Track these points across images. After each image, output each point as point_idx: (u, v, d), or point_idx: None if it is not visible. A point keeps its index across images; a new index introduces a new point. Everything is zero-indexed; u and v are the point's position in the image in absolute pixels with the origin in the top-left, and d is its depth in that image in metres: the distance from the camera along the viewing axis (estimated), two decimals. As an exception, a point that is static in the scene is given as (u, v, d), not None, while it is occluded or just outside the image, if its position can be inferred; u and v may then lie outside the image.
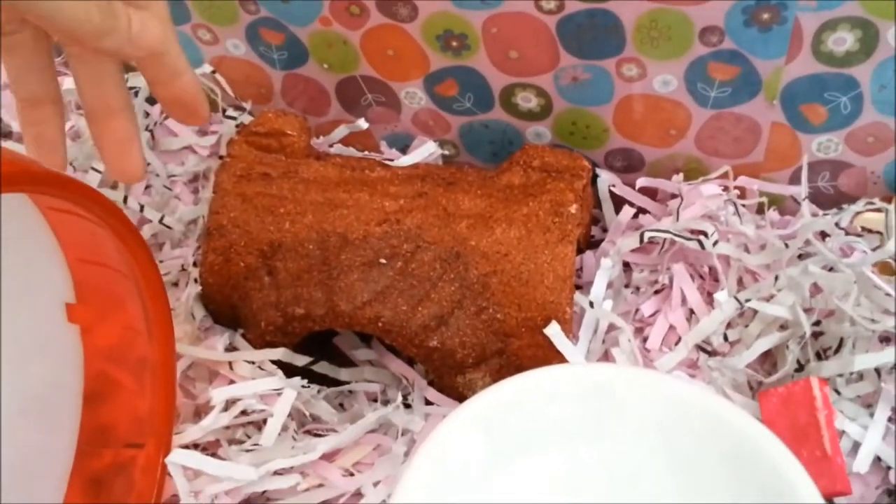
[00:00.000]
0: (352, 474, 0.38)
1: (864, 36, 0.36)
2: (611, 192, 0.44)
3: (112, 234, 0.31)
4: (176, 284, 0.44)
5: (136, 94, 0.48)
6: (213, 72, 0.47)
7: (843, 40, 0.36)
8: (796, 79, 0.38)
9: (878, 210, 0.40)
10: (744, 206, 0.42)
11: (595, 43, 0.39)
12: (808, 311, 0.39)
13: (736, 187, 0.43)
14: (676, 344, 0.40)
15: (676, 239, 0.40)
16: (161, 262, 0.45)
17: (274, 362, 0.40)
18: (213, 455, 0.38)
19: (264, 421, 0.39)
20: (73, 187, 0.28)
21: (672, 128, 0.42)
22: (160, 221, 0.44)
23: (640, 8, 0.37)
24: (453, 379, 0.39)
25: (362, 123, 0.46)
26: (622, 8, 0.37)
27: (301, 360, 0.41)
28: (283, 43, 0.45)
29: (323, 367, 0.42)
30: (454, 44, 0.41)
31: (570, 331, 0.39)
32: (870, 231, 0.42)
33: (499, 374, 0.39)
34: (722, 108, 0.40)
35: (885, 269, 0.41)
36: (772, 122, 0.40)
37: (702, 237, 0.40)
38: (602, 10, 0.37)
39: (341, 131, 0.47)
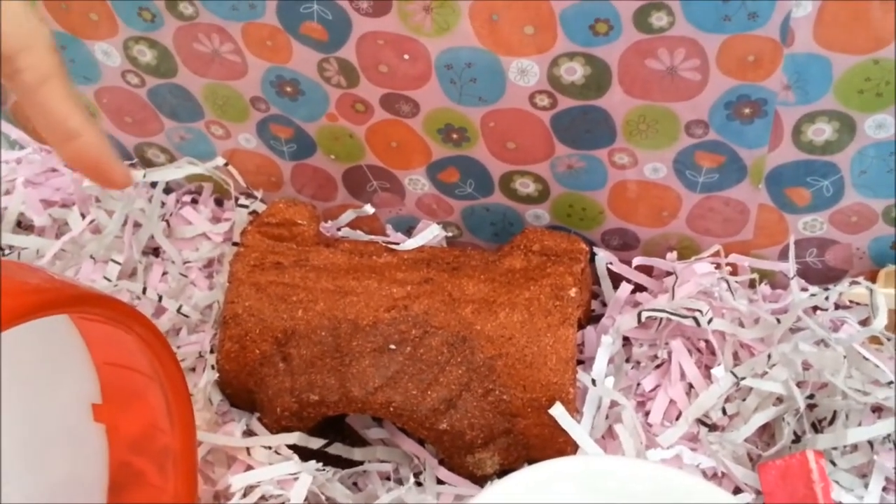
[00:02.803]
0: (367, 556, 0.39)
1: (842, 127, 0.38)
2: (609, 270, 0.46)
3: (137, 340, 0.33)
4: (193, 370, 0.46)
5: (154, 185, 0.50)
6: (226, 164, 0.49)
7: (822, 131, 0.38)
8: (780, 165, 0.40)
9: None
10: (736, 282, 0.44)
11: (587, 135, 0.41)
12: (801, 384, 0.41)
13: (728, 264, 0.44)
14: (677, 418, 0.42)
15: (672, 318, 0.42)
16: (178, 347, 0.46)
17: (290, 446, 0.42)
18: (234, 541, 0.39)
19: (282, 505, 0.40)
20: (104, 304, 0.30)
21: (664, 210, 0.44)
22: (178, 311, 0.46)
23: (629, 104, 0.39)
24: (463, 459, 0.41)
25: (368, 209, 0.48)
26: (612, 104, 0.39)
27: (316, 443, 0.42)
28: (292, 136, 0.47)
29: (337, 449, 0.43)
30: (454, 136, 0.44)
31: (574, 409, 0.40)
32: (857, 303, 0.43)
33: (507, 453, 0.41)
34: (710, 192, 0.42)
35: (873, 339, 0.42)
36: (759, 203, 0.42)
37: (697, 314, 0.42)
38: (593, 106, 0.40)
39: (349, 215, 0.49)
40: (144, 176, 0.49)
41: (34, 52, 0.26)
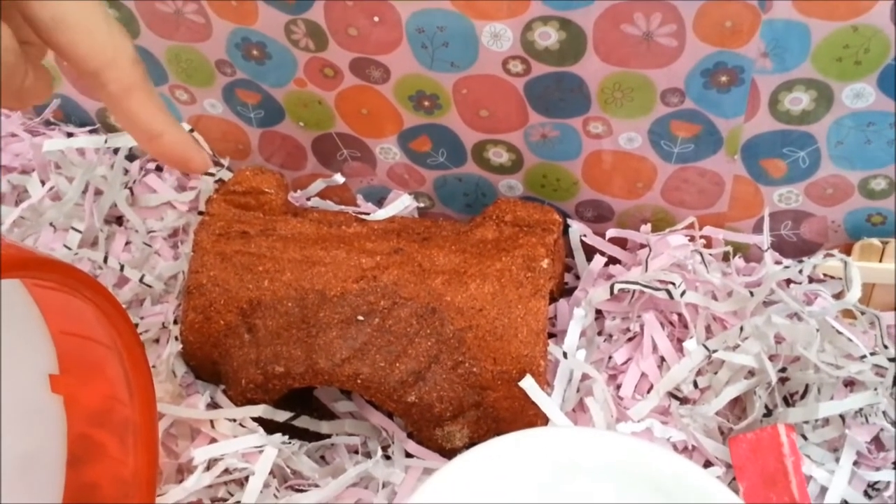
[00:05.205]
0: (334, 530, 0.39)
1: (819, 96, 0.37)
2: (582, 242, 0.45)
3: (95, 309, 0.31)
4: (157, 341, 0.45)
5: (116, 151, 0.49)
6: (192, 130, 0.48)
7: (799, 100, 0.38)
8: (756, 135, 0.40)
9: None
10: (710, 254, 0.44)
11: (562, 103, 0.40)
12: (773, 357, 0.40)
13: (702, 237, 0.44)
14: (649, 391, 0.42)
15: (645, 290, 0.42)
16: (142, 318, 0.45)
17: (255, 419, 0.41)
18: (197, 515, 0.38)
19: (246, 478, 0.39)
20: (59, 270, 0.29)
21: (639, 181, 0.43)
22: (141, 281, 0.45)
23: (604, 71, 0.38)
24: (432, 431, 0.40)
25: (339, 178, 0.47)
26: (586, 71, 0.38)
27: (282, 416, 0.42)
28: (259, 102, 0.46)
29: (304, 422, 0.42)
30: (426, 103, 0.43)
31: (545, 382, 0.40)
32: (832, 277, 0.43)
33: (476, 426, 0.40)
34: (686, 162, 0.41)
35: (847, 312, 0.42)
36: (734, 175, 0.42)
37: (670, 286, 0.42)
38: (568, 72, 0.39)
39: (318, 185, 0.48)
40: (106, 142, 0.47)
41: (118, 66, 0.27)
